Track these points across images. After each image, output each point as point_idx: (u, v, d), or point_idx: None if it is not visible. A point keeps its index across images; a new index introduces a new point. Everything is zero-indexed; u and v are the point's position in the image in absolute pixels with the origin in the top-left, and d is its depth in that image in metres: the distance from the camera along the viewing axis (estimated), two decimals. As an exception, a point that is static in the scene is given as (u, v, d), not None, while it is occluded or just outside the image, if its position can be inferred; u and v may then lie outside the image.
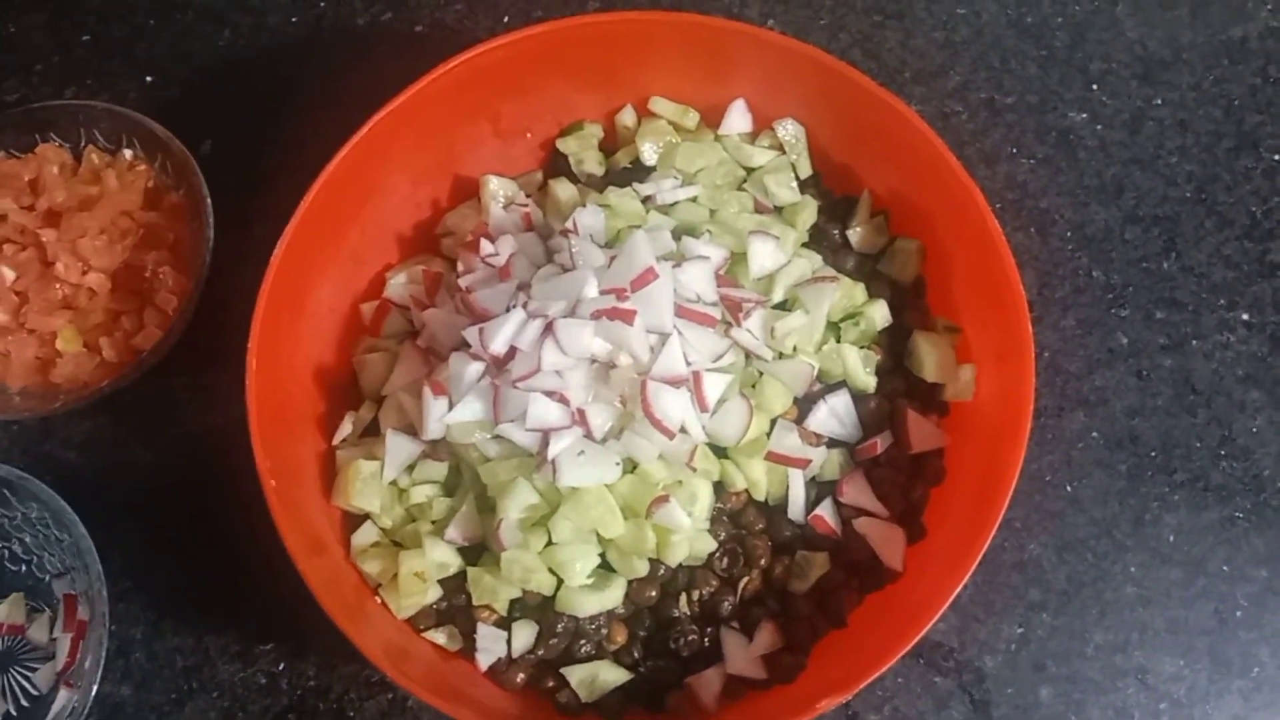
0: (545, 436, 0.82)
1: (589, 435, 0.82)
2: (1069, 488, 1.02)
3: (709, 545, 0.87)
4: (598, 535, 0.84)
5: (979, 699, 0.96)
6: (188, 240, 1.05)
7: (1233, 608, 0.98)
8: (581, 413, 0.82)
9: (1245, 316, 1.07)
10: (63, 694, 0.94)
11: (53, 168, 1.07)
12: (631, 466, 0.85)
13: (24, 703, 0.95)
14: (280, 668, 0.98)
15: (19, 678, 0.97)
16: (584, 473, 0.81)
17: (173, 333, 0.98)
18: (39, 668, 0.97)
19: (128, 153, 1.09)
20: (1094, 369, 1.05)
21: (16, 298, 1.04)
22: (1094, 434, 1.03)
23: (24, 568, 1.00)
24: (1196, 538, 1.01)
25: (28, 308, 1.02)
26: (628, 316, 0.81)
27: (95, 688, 0.91)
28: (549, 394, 0.82)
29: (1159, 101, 1.15)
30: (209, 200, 1.02)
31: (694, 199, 0.95)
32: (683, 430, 0.83)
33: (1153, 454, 1.03)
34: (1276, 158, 1.13)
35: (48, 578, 0.99)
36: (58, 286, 1.03)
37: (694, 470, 0.85)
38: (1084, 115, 1.15)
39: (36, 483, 0.95)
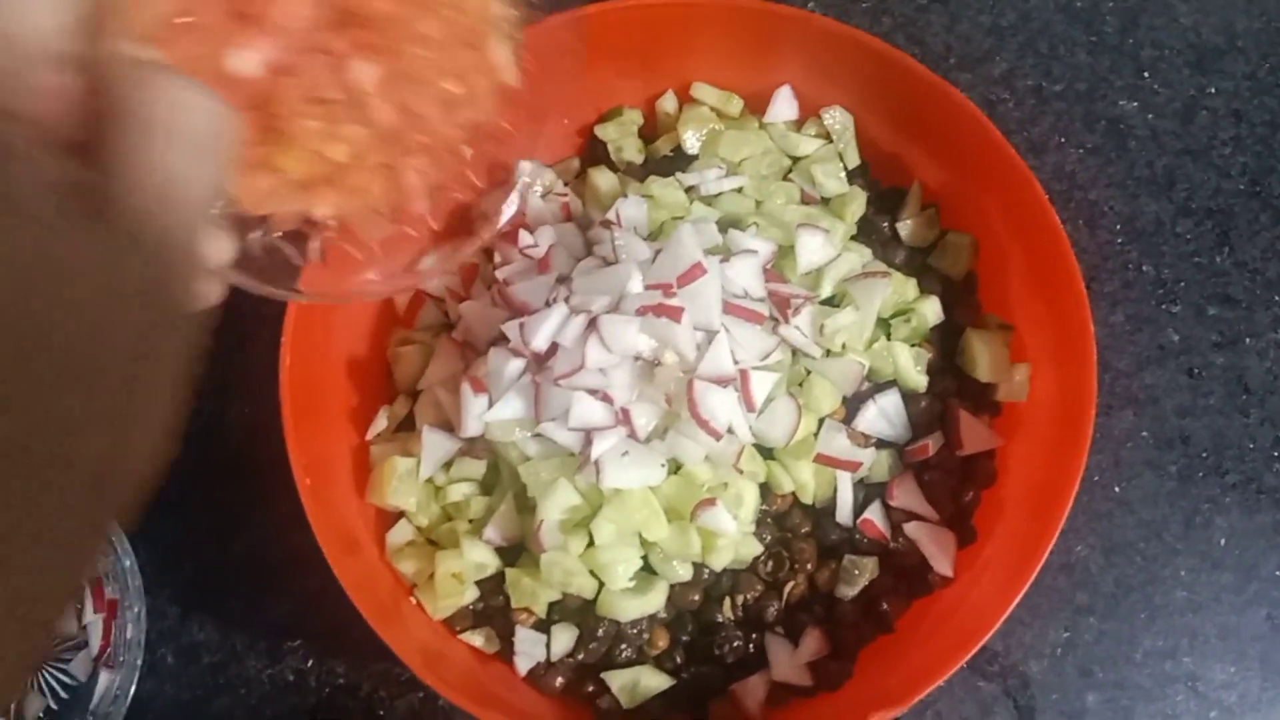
0: (588, 436, 0.79)
1: (633, 435, 0.79)
2: (1117, 488, 0.99)
3: (754, 549, 0.85)
4: (640, 538, 0.82)
5: (1024, 704, 0.94)
6: None
7: (1285, 614, 0.96)
8: (626, 412, 0.79)
9: (1299, 314, 1.04)
10: (103, 677, 0.91)
11: None
12: (676, 468, 0.82)
13: (63, 695, 0.93)
14: (309, 664, 0.95)
15: (54, 672, 0.94)
16: (628, 474, 0.78)
17: None
18: (73, 657, 0.94)
19: None
20: (1144, 367, 1.02)
21: None
22: (1143, 433, 1.00)
23: (40, 563, 0.98)
24: (1249, 541, 0.98)
25: None
26: (675, 314, 0.78)
27: (140, 662, 0.90)
28: (592, 392, 0.78)
29: (1212, 90, 1.11)
30: None
31: (739, 190, 0.92)
32: (730, 431, 0.81)
33: (1204, 455, 1.00)
34: (1333, 149, 1.09)
35: None
36: None
37: (740, 472, 0.82)
38: (1135, 104, 1.11)
39: None
